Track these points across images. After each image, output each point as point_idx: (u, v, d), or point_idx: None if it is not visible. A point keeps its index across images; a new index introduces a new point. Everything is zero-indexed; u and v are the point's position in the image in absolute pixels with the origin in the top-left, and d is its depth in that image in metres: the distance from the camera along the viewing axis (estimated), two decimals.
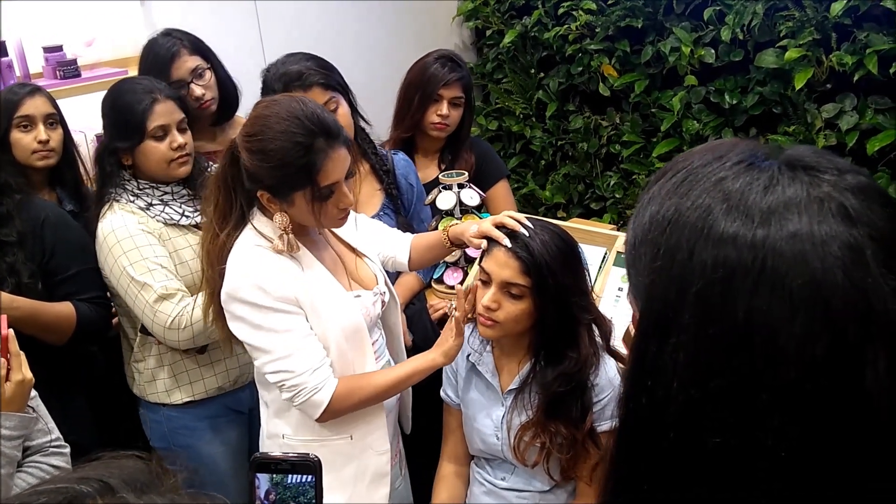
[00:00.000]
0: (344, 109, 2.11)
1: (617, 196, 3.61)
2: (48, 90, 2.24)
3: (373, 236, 1.97)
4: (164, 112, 2.00)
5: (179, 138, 2.01)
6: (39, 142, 2.14)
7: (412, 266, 2.02)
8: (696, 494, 0.66)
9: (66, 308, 2.00)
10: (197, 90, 2.36)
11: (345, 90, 2.16)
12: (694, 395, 0.64)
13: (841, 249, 0.61)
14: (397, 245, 2.00)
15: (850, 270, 0.61)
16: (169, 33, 2.39)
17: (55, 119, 2.19)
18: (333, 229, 1.82)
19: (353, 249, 1.86)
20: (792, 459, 0.62)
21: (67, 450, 1.72)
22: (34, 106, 2.14)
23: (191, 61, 2.36)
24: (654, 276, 0.67)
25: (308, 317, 1.66)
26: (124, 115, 2.00)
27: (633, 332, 1.04)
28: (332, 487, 1.78)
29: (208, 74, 2.40)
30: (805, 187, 0.64)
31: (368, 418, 1.76)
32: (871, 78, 2.69)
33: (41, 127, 2.14)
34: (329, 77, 2.11)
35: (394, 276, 2.24)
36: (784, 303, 0.61)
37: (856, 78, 2.72)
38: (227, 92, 2.48)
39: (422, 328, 2.28)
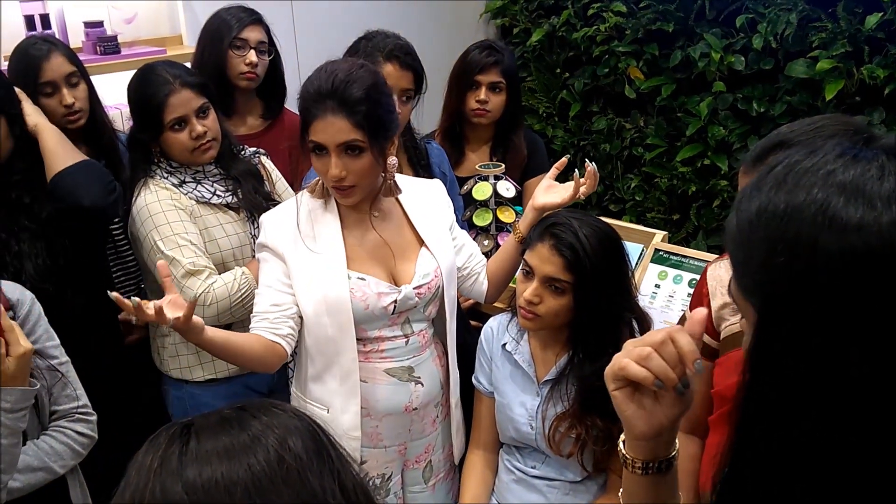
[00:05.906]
0: None
1: (637, 198, 3.62)
2: (88, 65, 2.25)
3: (462, 245, 1.99)
4: (180, 103, 1.99)
5: (198, 127, 2.01)
6: (65, 105, 2.15)
7: (489, 297, 2.04)
8: (824, 489, 0.68)
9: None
10: (252, 52, 2.41)
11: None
12: (824, 386, 0.66)
13: None
14: (481, 267, 2.02)
15: None
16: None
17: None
18: (411, 212, 1.86)
19: (419, 238, 1.87)
20: None
21: (94, 417, 1.74)
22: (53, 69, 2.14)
23: (257, 32, 2.44)
24: (775, 272, 0.68)
25: (290, 271, 1.77)
26: (142, 108, 2.03)
27: (703, 320, 0.98)
28: None
29: (266, 57, 2.46)
30: None
31: (342, 399, 1.79)
32: None
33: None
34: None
35: None
36: None
37: (886, 91, 2.74)
38: (277, 75, 2.53)
39: None
